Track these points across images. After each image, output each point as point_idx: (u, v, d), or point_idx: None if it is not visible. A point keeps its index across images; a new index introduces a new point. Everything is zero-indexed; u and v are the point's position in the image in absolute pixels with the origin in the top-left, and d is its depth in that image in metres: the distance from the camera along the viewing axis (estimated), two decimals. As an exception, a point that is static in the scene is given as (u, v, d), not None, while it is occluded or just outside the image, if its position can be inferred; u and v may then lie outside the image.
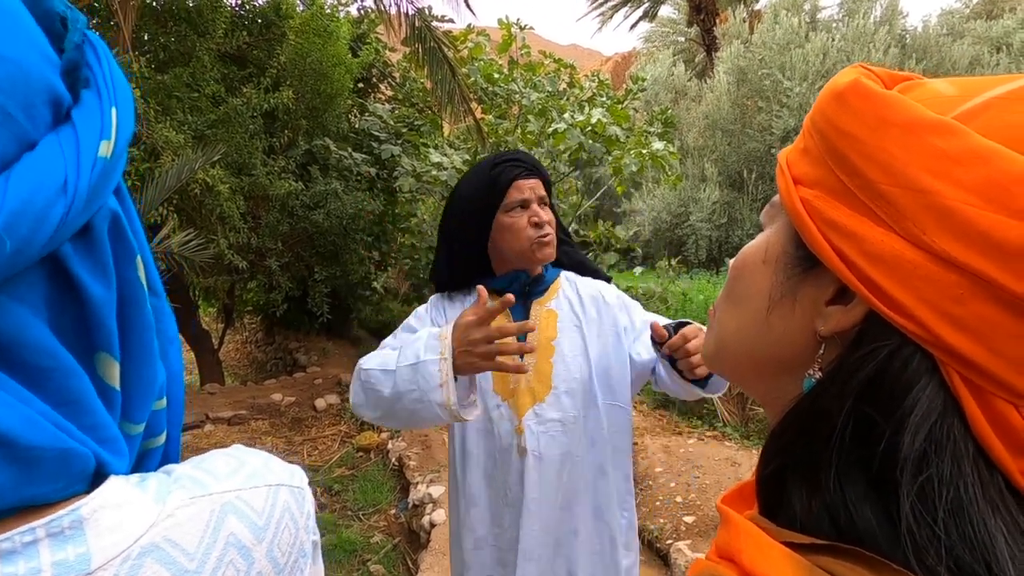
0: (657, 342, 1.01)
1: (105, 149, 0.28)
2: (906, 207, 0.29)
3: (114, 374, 0.31)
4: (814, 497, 0.32)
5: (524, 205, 1.14)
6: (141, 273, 0.33)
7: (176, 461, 0.36)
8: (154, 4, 4.86)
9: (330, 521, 3.26)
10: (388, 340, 1.24)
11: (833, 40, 9.97)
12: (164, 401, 0.36)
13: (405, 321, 1.26)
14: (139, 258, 0.33)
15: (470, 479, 1.17)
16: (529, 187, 1.14)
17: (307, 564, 0.35)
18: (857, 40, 9.76)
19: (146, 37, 4.95)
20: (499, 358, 0.97)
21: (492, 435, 1.15)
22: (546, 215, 1.15)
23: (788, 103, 9.75)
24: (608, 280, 1.28)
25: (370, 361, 1.11)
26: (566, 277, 1.24)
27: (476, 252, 1.19)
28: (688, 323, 1.02)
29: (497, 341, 0.96)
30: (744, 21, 11.95)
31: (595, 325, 1.18)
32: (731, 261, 0.42)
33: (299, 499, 0.35)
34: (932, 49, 9.94)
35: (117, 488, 0.29)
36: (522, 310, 1.19)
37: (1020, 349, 0.28)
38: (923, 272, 0.29)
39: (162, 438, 0.36)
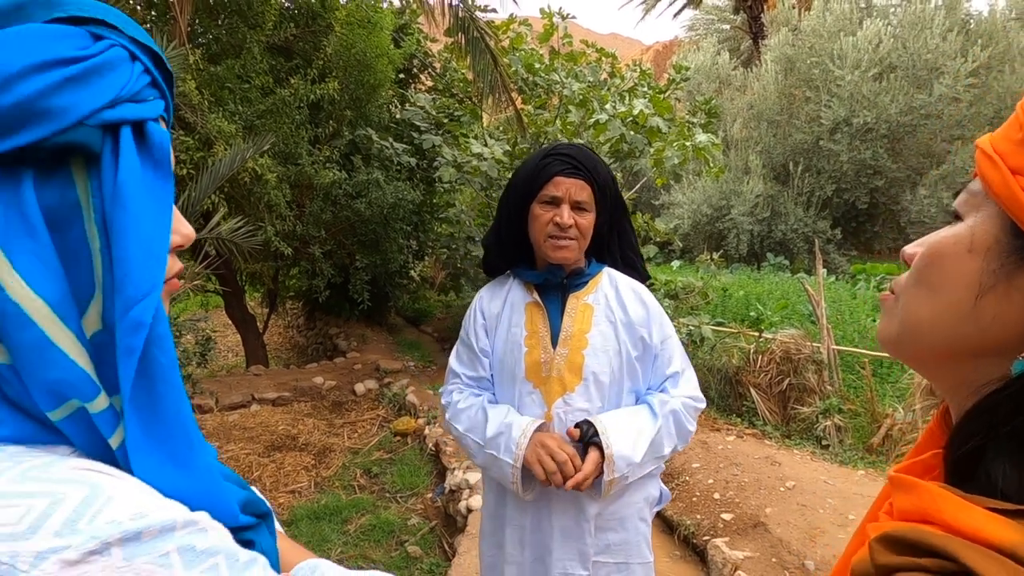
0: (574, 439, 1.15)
1: None
2: None
3: None
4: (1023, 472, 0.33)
5: (555, 202, 1.14)
6: None
7: (135, 460, 0.35)
8: (207, -2, 5.02)
9: (369, 502, 3.36)
10: (453, 362, 1.33)
11: (889, 26, 9.51)
12: (104, 403, 0.35)
13: (460, 335, 1.33)
14: None
15: None
16: (567, 186, 1.13)
17: None
18: (914, 26, 9.28)
19: (200, 30, 5.12)
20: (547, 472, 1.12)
21: None
22: (572, 219, 1.13)
23: (839, 92, 9.37)
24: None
25: (456, 417, 1.26)
26: (608, 273, 1.25)
27: (517, 235, 1.23)
28: (596, 436, 1.11)
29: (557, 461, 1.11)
30: (793, 7, 11.52)
31: (628, 325, 1.20)
32: (914, 250, 0.43)
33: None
34: (999, 35, 9.37)
35: None
36: (559, 302, 1.22)
37: None
38: None
39: (114, 438, 0.35)
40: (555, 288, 1.22)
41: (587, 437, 1.12)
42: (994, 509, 0.33)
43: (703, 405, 1.23)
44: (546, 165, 1.16)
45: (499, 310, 1.26)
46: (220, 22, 5.02)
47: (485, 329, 1.27)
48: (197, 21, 5.01)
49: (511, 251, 1.25)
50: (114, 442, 0.35)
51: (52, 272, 0.33)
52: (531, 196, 1.17)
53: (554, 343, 1.18)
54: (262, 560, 0.35)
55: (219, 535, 0.33)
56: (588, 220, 1.16)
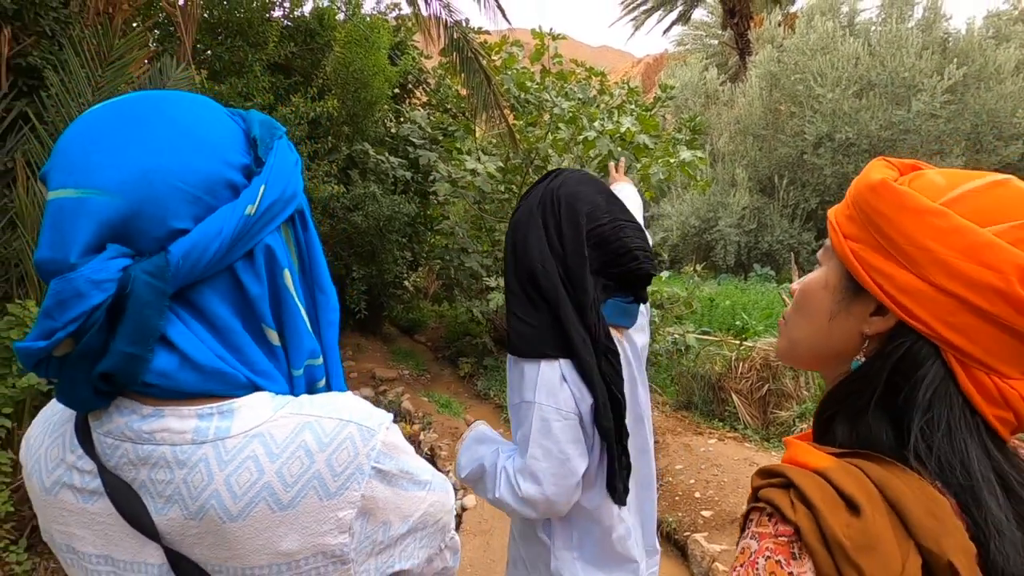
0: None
1: (250, 210, 0.49)
2: (920, 259, 0.49)
3: (274, 337, 0.52)
4: (852, 429, 0.53)
5: None
6: (288, 282, 0.53)
7: (340, 390, 0.58)
8: (208, 17, 5.19)
9: (367, 504, 3.49)
10: None
11: (868, 44, 9.84)
12: (320, 360, 0.56)
13: None
14: (286, 271, 0.53)
15: None
16: None
17: (363, 479, 0.48)
18: (890, 44, 9.61)
19: (201, 48, 5.28)
20: None
21: None
22: None
23: (821, 109, 9.67)
24: (523, 353, 1.06)
25: None
26: None
27: None
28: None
29: None
30: (779, 25, 11.84)
31: None
32: (793, 286, 0.63)
33: (365, 435, 0.50)
34: (975, 53, 9.71)
35: (259, 397, 0.50)
36: None
37: (990, 341, 0.48)
38: (930, 296, 0.49)
39: (321, 382, 0.57)
40: None
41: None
42: (832, 453, 0.52)
43: (523, 494, 1.03)
44: None
45: None
46: (221, 41, 5.18)
47: None
48: (199, 40, 5.17)
49: None
50: (320, 384, 0.56)
51: (296, 283, 0.55)
52: None
53: None
54: None
55: None
56: None
